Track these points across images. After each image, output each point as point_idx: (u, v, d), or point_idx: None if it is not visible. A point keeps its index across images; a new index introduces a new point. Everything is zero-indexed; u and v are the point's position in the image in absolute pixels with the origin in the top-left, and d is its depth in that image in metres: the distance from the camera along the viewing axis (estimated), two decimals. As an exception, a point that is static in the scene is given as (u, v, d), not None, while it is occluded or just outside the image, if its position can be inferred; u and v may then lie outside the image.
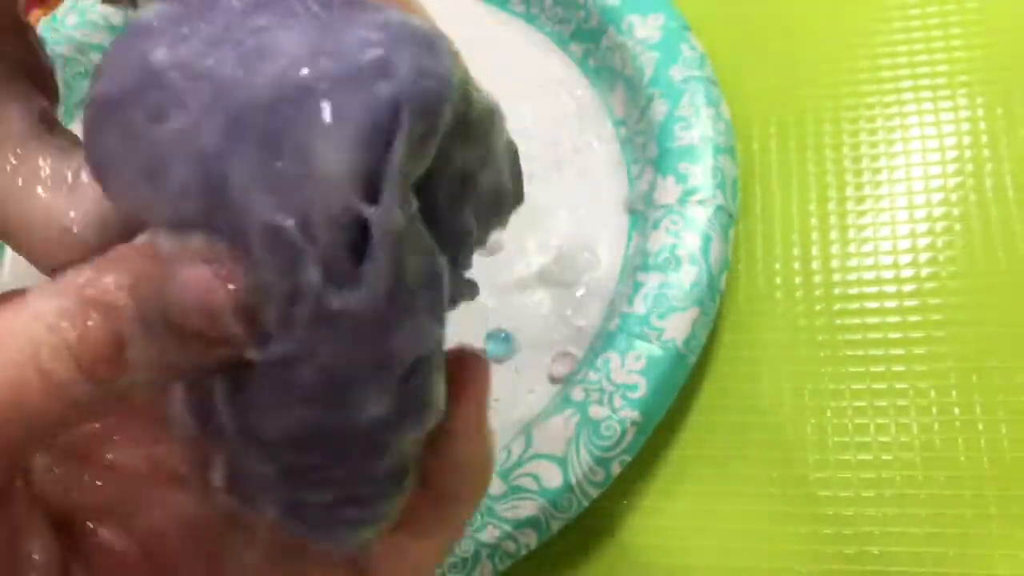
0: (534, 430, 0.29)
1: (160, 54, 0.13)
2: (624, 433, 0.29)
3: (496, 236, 0.36)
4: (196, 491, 0.16)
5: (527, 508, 0.28)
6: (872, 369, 0.31)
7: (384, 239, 0.13)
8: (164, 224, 0.13)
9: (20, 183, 0.16)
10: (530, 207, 0.36)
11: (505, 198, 0.17)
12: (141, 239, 0.14)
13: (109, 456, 0.17)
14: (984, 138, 0.34)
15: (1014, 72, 0.35)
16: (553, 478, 0.28)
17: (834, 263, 0.33)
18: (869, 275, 0.33)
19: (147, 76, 0.13)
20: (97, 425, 0.17)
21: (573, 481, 0.28)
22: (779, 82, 0.37)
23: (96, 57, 0.43)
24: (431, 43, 0.14)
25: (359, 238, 0.13)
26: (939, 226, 0.33)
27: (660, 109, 0.34)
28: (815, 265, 0.33)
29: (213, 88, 0.13)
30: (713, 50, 0.36)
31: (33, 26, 0.17)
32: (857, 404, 0.31)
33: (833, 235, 0.34)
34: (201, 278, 0.13)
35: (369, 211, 0.13)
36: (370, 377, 0.14)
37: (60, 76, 0.41)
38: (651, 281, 0.31)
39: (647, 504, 0.31)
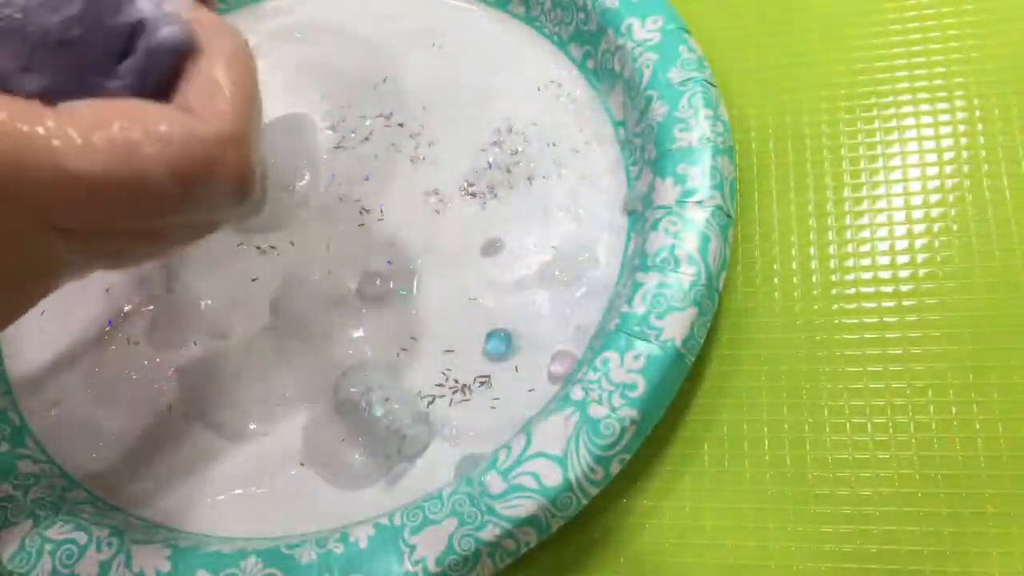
0: (534, 429, 0.29)
1: None
2: (623, 432, 0.29)
3: (496, 236, 0.37)
4: None
5: (527, 507, 0.28)
6: (870, 369, 0.31)
7: None
8: None
9: None
10: (530, 207, 0.37)
11: None
12: None
13: None
14: (981, 139, 0.34)
15: (1011, 74, 0.35)
16: (553, 477, 0.28)
17: (832, 263, 0.33)
18: (867, 275, 0.33)
19: None
20: None
21: (572, 480, 0.28)
22: (777, 84, 0.38)
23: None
24: None
25: None
26: (936, 227, 0.33)
27: (659, 111, 0.34)
28: (813, 265, 0.34)
29: None
30: (712, 52, 0.37)
31: None
32: (855, 403, 0.31)
33: (831, 236, 0.34)
34: None
35: None
36: None
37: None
38: (650, 281, 0.31)
39: (646, 503, 0.31)
